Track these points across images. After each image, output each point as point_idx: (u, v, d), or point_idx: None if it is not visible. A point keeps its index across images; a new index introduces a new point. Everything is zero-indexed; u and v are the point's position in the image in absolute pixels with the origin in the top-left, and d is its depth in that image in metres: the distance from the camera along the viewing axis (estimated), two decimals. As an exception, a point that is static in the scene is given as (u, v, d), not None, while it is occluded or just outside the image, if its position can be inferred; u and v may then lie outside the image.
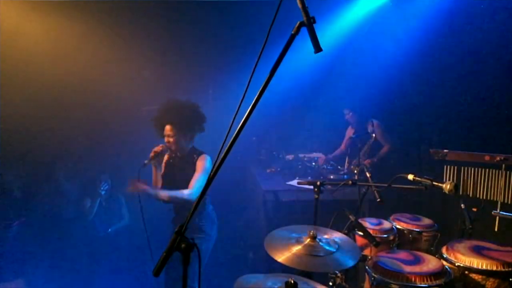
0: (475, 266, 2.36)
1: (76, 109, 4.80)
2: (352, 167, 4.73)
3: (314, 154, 5.48)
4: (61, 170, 4.65)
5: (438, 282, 2.22)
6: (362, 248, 2.81)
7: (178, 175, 3.21)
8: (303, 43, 1.64)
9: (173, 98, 3.28)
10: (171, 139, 3.13)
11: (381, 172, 3.82)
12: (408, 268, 2.31)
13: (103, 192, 4.49)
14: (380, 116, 4.87)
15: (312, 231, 2.18)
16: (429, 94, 4.78)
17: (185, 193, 2.99)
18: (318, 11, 1.54)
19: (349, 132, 5.10)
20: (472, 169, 3.16)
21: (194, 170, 3.12)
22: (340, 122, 5.19)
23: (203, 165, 3.12)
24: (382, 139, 4.77)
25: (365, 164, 3.78)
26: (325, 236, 2.24)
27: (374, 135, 4.47)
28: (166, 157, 3.33)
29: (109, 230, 4.50)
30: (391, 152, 4.78)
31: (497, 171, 3.01)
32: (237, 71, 3.83)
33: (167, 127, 3.14)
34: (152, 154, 3.11)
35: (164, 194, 2.99)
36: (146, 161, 3.07)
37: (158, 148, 3.14)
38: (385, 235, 2.92)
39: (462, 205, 3.03)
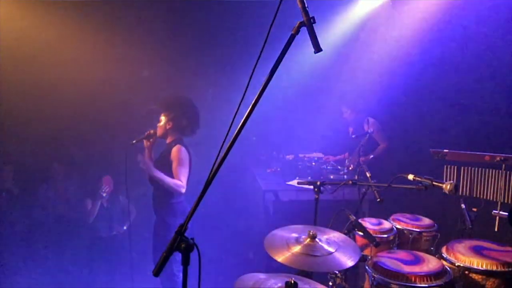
0: (475, 266, 2.36)
1: (76, 109, 4.80)
2: (346, 162, 4.73)
3: (314, 154, 5.47)
4: (60, 171, 4.65)
5: (438, 282, 2.22)
6: (362, 248, 2.81)
7: (160, 161, 3.45)
8: (304, 43, 1.64)
9: (179, 93, 3.65)
10: (159, 124, 3.41)
11: (381, 172, 3.82)
12: (408, 268, 2.31)
13: (104, 194, 4.47)
14: (380, 115, 4.86)
15: (312, 231, 2.18)
16: (429, 93, 4.77)
17: (177, 184, 3.23)
18: (319, 11, 1.54)
19: (350, 132, 5.10)
20: (472, 169, 3.15)
21: (167, 157, 3.32)
22: (340, 121, 5.18)
23: (177, 155, 3.29)
24: (378, 137, 4.77)
25: (359, 162, 3.78)
26: (325, 236, 2.24)
27: (369, 132, 4.47)
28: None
29: (113, 232, 4.48)
30: (388, 150, 4.78)
31: (497, 171, 3.00)
32: (237, 71, 3.83)
33: (161, 115, 3.43)
34: (145, 134, 3.40)
35: (159, 175, 3.23)
36: (134, 141, 3.36)
37: (150, 131, 3.42)
38: (385, 235, 2.91)
39: (462, 205, 3.03)
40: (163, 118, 3.38)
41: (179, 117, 3.35)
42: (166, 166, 3.30)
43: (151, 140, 3.39)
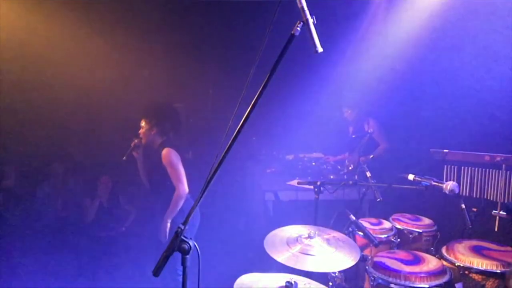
0: (475, 266, 2.36)
1: (76, 109, 4.80)
2: (346, 162, 4.73)
3: (314, 154, 5.47)
4: (60, 171, 4.65)
5: (438, 282, 2.22)
6: (362, 248, 2.81)
7: (148, 165, 3.50)
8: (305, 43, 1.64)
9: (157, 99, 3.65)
10: (142, 131, 3.43)
11: (381, 172, 3.81)
12: (408, 268, 2.31)
13: (103, 193, 4.47)
14: (380, 115, 4.86)
15: (311, 231, 2.18)
16: (429, 93, 4.77)
17: (179, 196, 3.27)
18: (318, 11, 1.54)
19: (350, 131, 5.10)
20: (472, 169, 3.15)
21: (160, 161, 3.32)
22: (340, 121, 5.18)
23: (169, 160, 3.31)
24: (378, 138, 4.77)
25: (359, 162, 3.77)
26: (325, 236, 2.24)
27: (369, 132, 4.46)
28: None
29: (113, 232, 4.47)
30: (387, 151, 4.77)
31: (497, 171, 3.00)
32: (237, 71, 3.82)
33: (142, 121, 3.46)
34: (131, 146, 3.43)
35: (171, 214, 3.27)
36: (124, 157, 3.40)
37: (135, 142, 3.44)
38: (385, 235, 2.92)
39: (462, 205, 3.03)
40: (144, 125, 3.42)
41: (161, 121, 3.40)
42: (161, 171, 3.33)
43: (138, 151, 3.44)
